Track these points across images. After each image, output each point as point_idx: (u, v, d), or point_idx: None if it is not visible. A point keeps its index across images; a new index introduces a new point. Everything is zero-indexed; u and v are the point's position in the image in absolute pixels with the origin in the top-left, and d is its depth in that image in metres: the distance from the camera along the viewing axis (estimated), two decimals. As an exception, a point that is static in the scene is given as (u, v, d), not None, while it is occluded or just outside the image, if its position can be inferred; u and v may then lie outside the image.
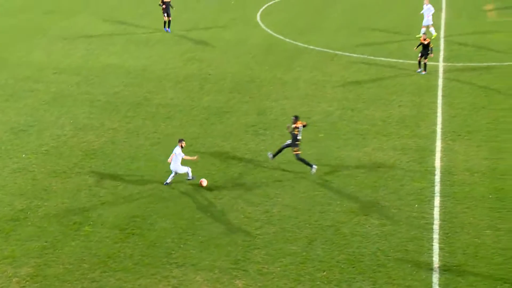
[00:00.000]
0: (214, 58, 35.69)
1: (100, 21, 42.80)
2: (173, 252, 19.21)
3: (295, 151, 23.40)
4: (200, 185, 22.46)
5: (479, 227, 20.16)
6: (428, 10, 38.17)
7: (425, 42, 32.42)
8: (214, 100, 30.20)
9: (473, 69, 33.58)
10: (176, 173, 22.57)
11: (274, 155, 23.93)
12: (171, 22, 40.33)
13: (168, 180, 22.67)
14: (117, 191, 22.46)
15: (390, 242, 19.55)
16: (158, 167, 23.94)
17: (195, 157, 23.00)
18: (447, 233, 19.93)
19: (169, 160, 22.39)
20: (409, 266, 18.50)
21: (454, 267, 18.41)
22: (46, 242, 19.73)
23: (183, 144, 22.53)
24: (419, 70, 33.02)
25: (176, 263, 18.75)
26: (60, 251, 19.31)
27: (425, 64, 32.83)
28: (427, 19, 38.23)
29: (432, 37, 37.13)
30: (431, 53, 32.60)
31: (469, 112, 28.49)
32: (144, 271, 18.40)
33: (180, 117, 28.42)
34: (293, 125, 23.27)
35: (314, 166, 23.36)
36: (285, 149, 23.73)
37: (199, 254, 19.11)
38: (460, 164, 23.99)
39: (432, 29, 38.21)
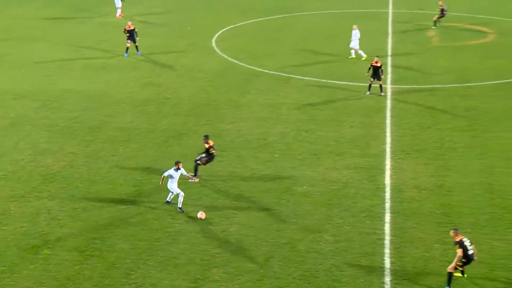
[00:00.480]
0: (171, 83, 35.68)
1: (58, 48, 42.39)
2: (132, 272, 18.95)
3: (202, 162, 24.11)
4: (200, 218, 21.69)
5: (428, 242, 20.50)
6: (355, 35, 39.46)
7: (378, 65, 32.92)
8: (171, 123, 30.13)
9: (419, 91, 34.38)
10: (172, 192, 22.22)
11: (195, 172, 24.34)
12: (138, 46, 40.38)
13: (179, 205, 22.11)
14: (76, 213, 22.11)
15: (344, 258, 19.71)
16: (117, 190, 23.69)
17: (195, 179, 22.73)
18: (398, 248, 20.19)
19: (161, 184, 22.21)
20: (362, 280, 18.65)
21: (405, 281, 18.64)
22: (3, 266, 19.22)
23: (180, 165, 22.10)
24: (368, 92, 33.57)
25: (136, 283, 18.50)
26: (18, 275, 18.83)
27: (380, 86, 33.29)
28: (355, 43, 39.54)
29: (362, 59, 38.78)
30: (382, 74, 33.21)
31: (417, 132, 29.08)
32: (103, 293, 18.11)
33: (139, 140, 28.24)
34: (206, 145, 24.00)
35: (196, 177, 24.04)
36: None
37: (158, 274, 18.90)
38: (409, 182, 24.41)
39: (361, 52, 39.45)
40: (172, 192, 22.31)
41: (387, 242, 20.51)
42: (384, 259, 19.61)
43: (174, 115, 31.05)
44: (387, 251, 20.03)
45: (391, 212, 22.26)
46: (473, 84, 35.46)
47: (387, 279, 18.70)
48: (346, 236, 20.81)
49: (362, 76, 35.67)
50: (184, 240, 20.56)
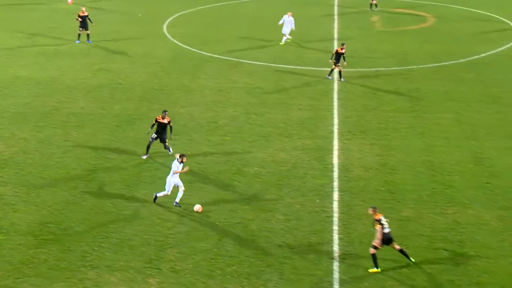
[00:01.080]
0: (123, 69, 35.03)
1: (9, 35, 41.09)
2: (87, 255, 18.59)
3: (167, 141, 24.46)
4: (197, 211, 20.76)
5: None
6: (290, 22, 39.18)
7: (342, 51, 32.79)
8: (124, 108, 29.60)
9: (365, 74, 34.69)
10: (176, 185, 20.97)
11: (147, 152, 24.51)
12: (89, 34, 39.31)
13: (177, 199, 20.96)
14: (29, 198, 21.51)
15: (294, 235, 19.78)
16: (70, 174, 23.16)
17: (185, 169, 21.07)
18: (346, 225, 20.40)
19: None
20: (312, 256, 18.77)
21: (352, 255, 18.84)
22: (-43, 252, 18.60)
23: (184, 159, 20.94)
24: (328, 76, 33.46)
25: (91, 265, 18.15)
26: (-28, 260, 18.25)
27: (340, 71, 33.26)
28: (287, 28, 39.30)
29: (280, 43, 39.49)
30: (345, 61, 33.15)
31: (362, 113, 29.37)
32: (59, 275, 17.69)
33: (92, 125, 27.64)
34: (166, 119, 24.22)
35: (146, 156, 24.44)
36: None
37: (114, 255, 18.59)
38: (356, 161, 24.65)
39: (284, 38, 39.72)
40: (167, 189, 20.98)
41: (335, 219, 20.69)
42: (333, 236, 19.77)
43: (126, 100, 30.51)
44: (335, 228, 20.21)
45: (339, 191, 22.45)
46: (414, 67, 36.04)
47: (336, 254, 18.86)
48: (296, 215, 20.89)
49: (309, 60, 35.79)
50: (139, 222, 20.27)
